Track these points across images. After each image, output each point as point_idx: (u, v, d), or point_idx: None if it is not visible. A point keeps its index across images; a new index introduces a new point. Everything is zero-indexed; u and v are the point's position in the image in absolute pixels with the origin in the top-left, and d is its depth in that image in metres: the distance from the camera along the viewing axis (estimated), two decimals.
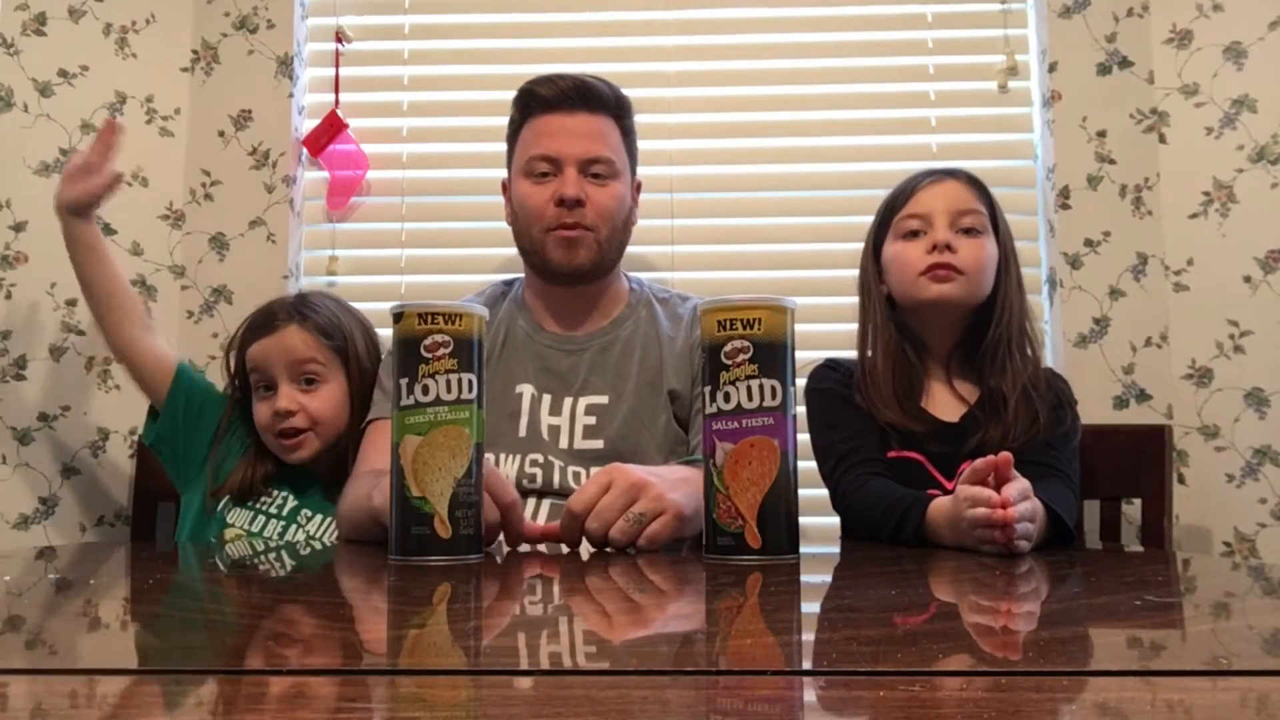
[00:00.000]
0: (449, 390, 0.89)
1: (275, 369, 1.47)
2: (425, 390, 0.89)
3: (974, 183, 1.39)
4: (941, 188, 1.37)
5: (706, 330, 0.89)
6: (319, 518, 1.49)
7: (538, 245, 1.39)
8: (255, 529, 1.49)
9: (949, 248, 1.32)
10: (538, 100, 1.40)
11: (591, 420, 1.36)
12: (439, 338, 0.89)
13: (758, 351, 0.86)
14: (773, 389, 0.86)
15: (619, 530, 0.95)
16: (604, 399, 1.37)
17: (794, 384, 0.90)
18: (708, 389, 0.88)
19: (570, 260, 1.37)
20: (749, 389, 0.86)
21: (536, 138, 1.39)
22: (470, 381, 0.90)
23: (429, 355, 0.89)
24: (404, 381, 0.90)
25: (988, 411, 1.32)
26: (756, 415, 0.86)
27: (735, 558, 0.85)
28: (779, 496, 0.86)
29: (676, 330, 1.43)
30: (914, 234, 1.36)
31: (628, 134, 1.45)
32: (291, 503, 1.51)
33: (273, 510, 1.50)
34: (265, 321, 1.50)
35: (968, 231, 1.35)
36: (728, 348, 0.87)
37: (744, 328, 0.87)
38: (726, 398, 0.86)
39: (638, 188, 1.50)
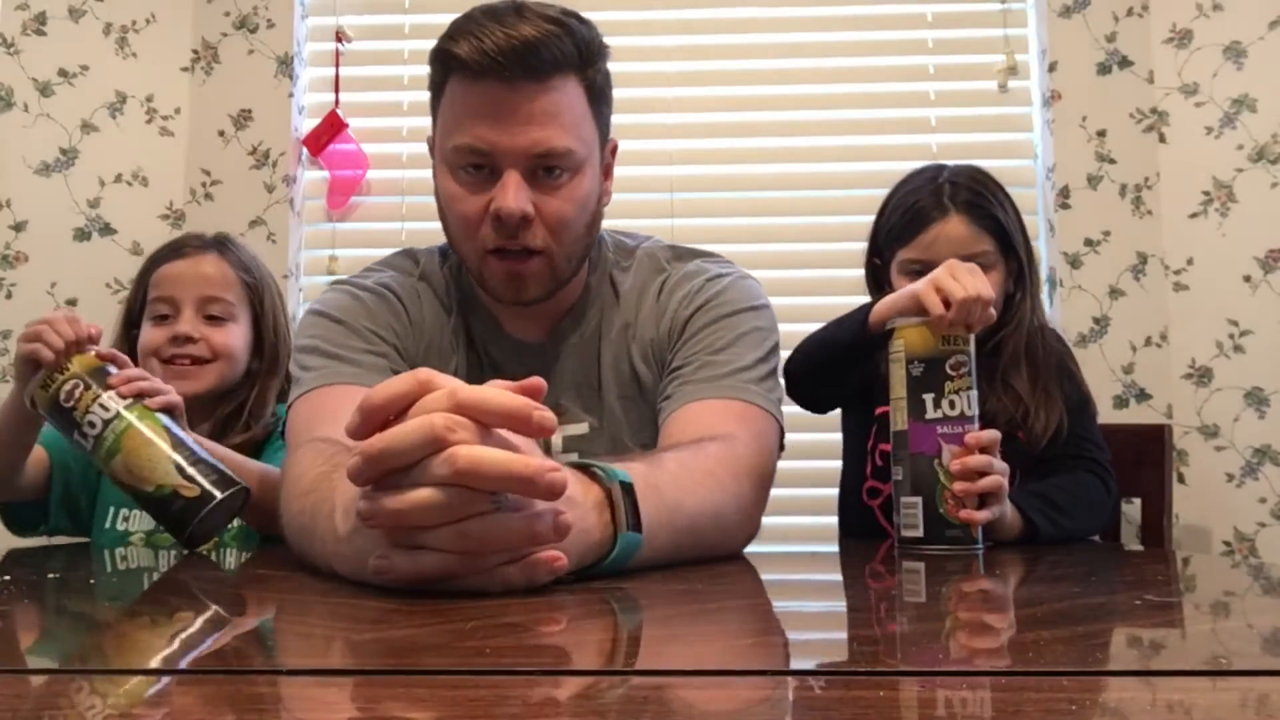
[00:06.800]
0: (106, 412, 0.98)
1: (183, 296, 1.29)
2: (91, 426, 0.98)
3: (977, 211, 1.32)
4: (945, 231, 1.29)
5: (926, 343, 0.98)
6: None
7: (471, 266, 1.02)
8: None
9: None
10: (457, 62, 0.93)
11: (573, 456, 1.07)
12: (68, 385, 0.99)
13: (970, 365, 0.99)
14: (976, 398, 1.00)
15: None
16: (583, 429, 1.10)
17: None
18: (929, 396, 0.97)
19: (516, 296, 1.01)
20: (968, 398, 0.98)
21: (459, 118, 0.95)
22: (109, 398, 0.99)
23: (70, 404, 0.99)
24: (74, 434, 0.99)
25: (1013, 423, 1.26)
26: (970, 421, 0.98)
27: (963, 548, 0.95)
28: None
29: (641, 304, 1.09)
30: (918, 274, 1.31)
31: (594, 89, 1.02)
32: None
33: (134, 529, 1.22)
34: (179, 245, 1.36)
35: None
36: (951, 361, 0.97)
37: (962, 343, 0.98)
38: (951, 405, 0.97)
39: (612, 150, 1.08)
